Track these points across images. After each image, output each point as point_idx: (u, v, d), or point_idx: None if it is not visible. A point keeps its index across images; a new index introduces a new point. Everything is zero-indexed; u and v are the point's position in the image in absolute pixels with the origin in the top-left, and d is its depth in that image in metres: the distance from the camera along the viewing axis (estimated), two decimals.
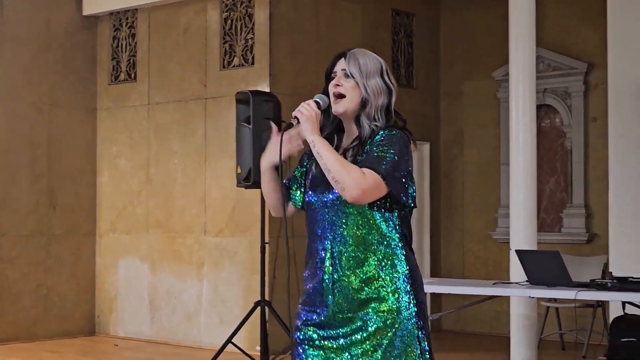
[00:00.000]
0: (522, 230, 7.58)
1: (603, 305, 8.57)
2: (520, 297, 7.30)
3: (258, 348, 7.90)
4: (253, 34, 8.81)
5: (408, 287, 3.24)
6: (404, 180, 3.21)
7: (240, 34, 8.92)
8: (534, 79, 7.69)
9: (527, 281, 6.38)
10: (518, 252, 6.53)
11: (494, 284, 6.68)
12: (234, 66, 8.96)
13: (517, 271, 6.90)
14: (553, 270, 6.11)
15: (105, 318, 9.91)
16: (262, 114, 7.58)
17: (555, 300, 8.75)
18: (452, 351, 8.62)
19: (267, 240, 7.85)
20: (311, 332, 3.37)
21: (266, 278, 7.82)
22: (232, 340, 7.53)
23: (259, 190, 7.79)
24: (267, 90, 8.46)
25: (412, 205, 3.24)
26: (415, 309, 3.24)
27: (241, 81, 8.78)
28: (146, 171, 9.62)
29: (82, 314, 9.89)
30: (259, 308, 7.65)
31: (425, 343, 3.25)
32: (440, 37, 10.57)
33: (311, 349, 3.36)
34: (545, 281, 6.18)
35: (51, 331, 9.58)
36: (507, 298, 7.88)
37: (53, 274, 9.65)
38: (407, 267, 3.25)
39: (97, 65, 10.06)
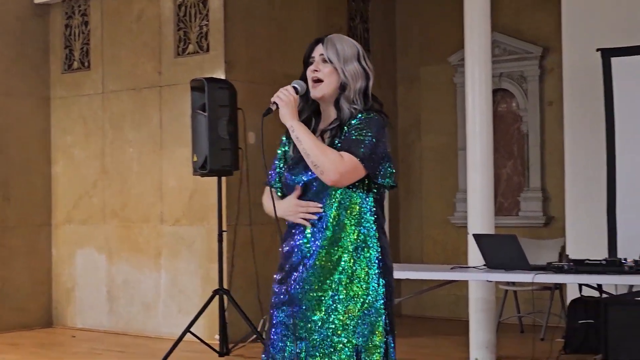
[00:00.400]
0: (479, 215, 7.60)
1: (561, 287, 8.65)
2: (478, 281, 7.34)
3: (217, 337, 7.90)
4: (207, 21, 8.75)
5: (378, 269, 3.35)
6: (381, 162, 3.34)
7: (195, 21, 8.85)
8: (490, 63, 7.70)
9: (484, 265, 6.42)
10: (475, 236, 6.55)
11: (452, 268, 6.70)
12: (188, 53, 8.89)
13: (475, 255, 6.92)
14: (510, 253, 6.14)
15: (63, 309, 9.83)
16: (218, 102, 7.57)
17: (513, 283, 8.81)
18: (412, 336, 8.64)
19: (224, 228, 7.86)
20: (283, 315, 3.45)
21: (224, 267, 7.81)
22: (191, 330, 7.53)
23: (215, 178, 7.79)
24: (223, 77, 8.42)
25: (393, 184, 3.38)
26: (384, 289, 3.35)
27: (196, 68, 8.72)
28: (101, 160, 9.54)
29: (39, 305, 9.80)
30: (217, 297, 7.65)
31: (391, 331, 3.38)
32: (395, 22, 10.57)
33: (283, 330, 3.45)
34: (502, 265, 6.21)
35: (7, 323, 9.48)
36: (466, 282, 7.91)
37: (8, 266, 9.54)
38: (379, 249, 3.37)
39: (49, 54, 9.94)
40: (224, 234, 7.81)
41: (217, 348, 7.73)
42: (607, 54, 7.90)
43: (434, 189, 10.31)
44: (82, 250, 9.69)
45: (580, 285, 6.38)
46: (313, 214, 3.36)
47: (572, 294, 7.87)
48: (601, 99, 7.97)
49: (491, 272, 6.22)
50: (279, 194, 3.57)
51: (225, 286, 7.75)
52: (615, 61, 7.87)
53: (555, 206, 9.46)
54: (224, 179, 7.87)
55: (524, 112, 9.72)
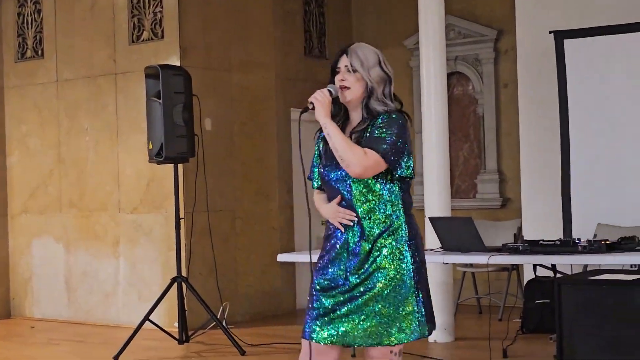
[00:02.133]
0: (436, 198, 7.66)
1: (518, 268, 8.73)
2: (435, 263, 7.38)
3: (176, 324, 7.89)
4: (162, 7, 8.69)
5: (408, 248, 3.81)
6: (401, 157, 3.78)
7: (149, 7, 8.79)
8: (444, 47, 7.75)
9: (441, 247, 6.45)
10: (432, 219, 6.58)
11: None
12: (143, 40, 8.83)
13: (432, 238, 6.96)
14: (466, 236, 6.17)
15: (21, 300, 9.76)
16: (173, 88, 7.54)
17: (471, 265, 8.88)
18: None
19: (182, 215, 7.84)
20: (321, 278, 3.90)
21: (182, 254, 7.79)
22: (150, 318, 7.51)
23: (171, 165, 7.77)
24: (178, 64, 8.37)
25: (411, 176, 3.84)
26: (414, 266, 3.80)
27: (151, 55, 8.67)
28: (57, 150, 9.46)
29: None
30: (176, 284, 7.64)
31: (421, 295, 3.82)
32: (351, 6, 10.58)
33: (323, 296, 3.88)
34: (458, 247, 6.24)
35: None
36: None
37: None
38: (408, 229, 3.84)
39: (2, 43, 9.83)
40: (182, 221, 7.79)
41: (177, 336, 7.73)
42: (560, 36, 7.97)
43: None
44: (39, 240, 9.62)
45: (534, 266, 6.44)
46: (349, 220, 3.84)
47: (529, 275, 7.96)
48: (555, 80, 8.05)
49: (447, 254, 6.24)
50: (313, 187, 4.07)
51: (183, 273, 7.74)
52: (568, 43, 7.94)
53: (511, 188, 9.54)
54: (180, 166, 7.83)
55: (480, 95, 9.78)
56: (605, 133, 7.82)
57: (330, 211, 3.89)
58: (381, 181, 3.82)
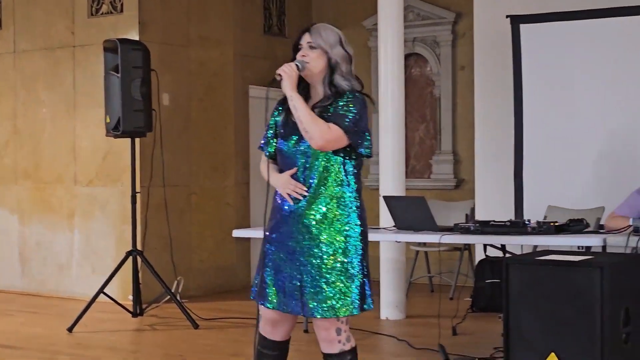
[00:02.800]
0: (391, 177, 7.76)
1: (469, 248, 8.87)
2: (388, 241, 7.50)
3: (130, 297, 7.93)
4: None
5: (357, 223, 4.00)
6: (362, 134, 3.95)
7: None
8: (402, 28, 7.82)
9: (394, 226, 6.53)
10: (385, 198, 6.66)
11: None
12: (102, 14, 8.82)
13: (386, 217, 7.06)
14: (419, 215, 6.25)
15: None
16: (131, 63, 7.55)
17: (424, 244, 8.99)
18: None
19: (138, 189, 7.86)
20: (274, 247, 4.06)
21: (138, 227, 7.82)
22: (104, 291, 7.55)
23: (128, 139, 7.79)
24: (137, 38, 8.37)
25: (369, 155, 4.01)
26: (360, 239, 3.99)
27: (110, 29, 8.65)
28: (13, 121, 9.43)
29: None
30: (130, 258, 7.68)
31: (366, 270, 4.01)
32: None
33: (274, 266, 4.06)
34: (411, 226, 6.32)
35: None
36: (377, 243, 8.06)
37: None
38: (358, 207, 4.01)
39: None
40: (138, 195, 7.82)
41: (131, 309, 7.78)
42: (516, 20, 8.07)
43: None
44: None
45: (485, 246, 6.56)
46: (299, 193, 3.97)
47: (480, 255, 8.09)
48: (510, 64, 8.16)
49: (400, 233, 6.33)
50: (266, 155, 4.15)
51: (139, 247, 7.77)
52: (523, 28, 8.05)
53: (465, 169, 9.66)
54: (137, 140, 7.84)
55: (437, 77, 9.88)
56: (559, 118, 7.95)
57: (282, 181, 4.01)
58: (340, 156, 3.96)
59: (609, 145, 7.71)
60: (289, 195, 3.98)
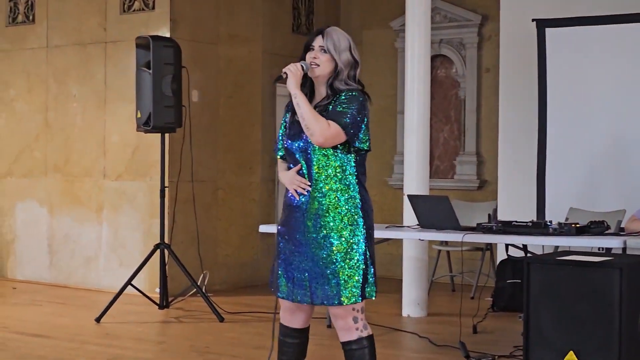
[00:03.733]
0: (415, 177, 7.82)
1: (491, 248, 8.93)
2: (412, 240, 7.58)
3: (157, 290, 8.05)
4: None
5: (360, 215, 4.13)
6: (359, 131, 4.10)
7: None
8: (429, 29, 7.88)
9: (418, 225, 6.61)
10: (410, 196, 6.76)
11: (386, 227, 6.88)
12: (134, 10, 8.92)
13: (410, 216, 7.14)
14: (442, 214, 6.33)
15: (3, 262, 9.88)
16: (162, 59, 7.66)
17: (446, 243, 9.07)
18: None
19: (166, 184, 7.96)
20: (284, 240, 4.26)
21: (166, 222, 7.93)
22: (132, 283, 7.65)
23: (158, 135, 7.91)
24: (168, 35, 8.49)
25: (368, 148, 4.16)
26: (364, 231, 4.13)
27: (141, 26, 8.77)
28: (44, 115, 9.57)
29: None
30: (158, 251, 7.80)
31: (370, 259, 4.16)
32: None
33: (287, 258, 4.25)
34: (434, 225, 6.40)
35: None
36: (401, 242, 8.15)
37: None
38: (360, 199, 4.15)
39: None
40: (166, 190, 7.92)
41: (158, 301, 7.89)
42: (542, 24, 8.13)
43: (372, 150, 10.37)
44: (23, 204, 9.73)
45: (507, 246, 6.63)
46: (303, 188, 4.15)
47: (502, 255, 8.15)
48: (535, 67, 8.21)
49: (423, 231, 6.42)
50: (279, 157, 4.33)
51: (166, 241, 7.88)
52: (549, 32, 8.10)
53: (489, 170, 9.71)
54: (167, 135, 7.97)
55: (462, 79, 9.93)
56: (582, 122, 7.99)
57: (288, 178, 4.21)
58: (339, 152, 4.12)
59: (630, 149, 7.76)
60: (295, 190, 4.17)
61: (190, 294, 8.17)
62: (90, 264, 9.20)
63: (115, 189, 9.02)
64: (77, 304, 8.30)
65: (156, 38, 7.72)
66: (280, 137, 4.32)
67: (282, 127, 4.30)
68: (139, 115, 7.69)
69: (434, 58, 9.68)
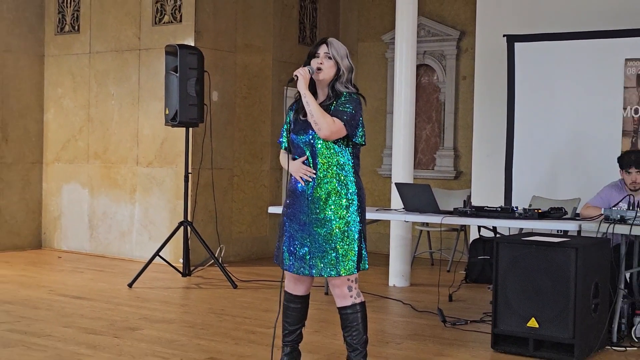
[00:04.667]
0: (401, 167, 7.78)
1: (465, 229, 8.90)
2: (398, 221, 7.55)
3: (181, 260, 8.02)
4: None
5: (356, 200, 4.13)
6: (357, 126, 4.11)
7: None
8: (415, 43, 7.83)
9: (403, 208, 6.58)
10: (397, 184, 6.72)
11: (376, 210, 6.85)
12: (164, 23, 8.88)
13: (396, 200, 7.10)
14: (424, 200, 6.30)
15: (50, 235, 9.87)
16: (188, 65, 7.62)
17: (427, 224, 9.04)
18: None
19: (190, 171, 7.93)
20: (289, 220, 4.23)
21: (189, 203, 7.90)
22: (160, 254, 7.63)
23: (184, 128, 7.87)
24: (192, 44, 8.44)
25: (363, 143, 4.16)
26: (358, 212, 4.13)
27: (170, 36, 8.73)
28: (87, 110, 9.53)
29: (31, 230, 9.83)
30: (182, 227, 7.77)
31: (363, 237, 4.16)
32: (339, 4, 10.61)
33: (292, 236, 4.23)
34: (418, 208, 6.37)
35: (3, 245, 9.51)
36: (388, 222, 8.11)
37: (5, 196, 9.55)
38: (355, 185, 4.14)
39: (45, 18, 9.85)
40: (190, 175, 7.89)
41: (181, 270, 7.87)
42: (511, 39, 8.08)
43: (366, 145, 10.35)
44: (68, 186, 9.71)
45: (479, 227, 6.60)
46: (309, 176, 4.13)
47: (474, 235, 8.14)
48: (505, 76, 8.16)
49: (408, 214, 6.39)
50: (282, 148, 4.30)
51: (189, 219, 7.86)
52: (517, 45, 8.06)
53: (464, 163, 9.67)
54: (190, 129, 7.93)
55: (442, 85, 9.88)
56: (544, 122, 7.96)
57: (295, 167, 4.17)
58: (339, 145, 4.12)
59: (585, 146, 7.72)
60: (301, 178, 4.15)
61: (208, 264, 8.15)
62: (124, 237, 9.17)
63: (146, 174, 8.98)
64: (112, 271, 8.27)
65: (182, 46, 7.67)
66: (284, 132, 4.29)
67: (286, 124, 4.26)
68: (167, 112, 7.66)
69: (418, 67, 9.64)
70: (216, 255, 7.92)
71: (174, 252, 8.42)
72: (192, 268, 7.95)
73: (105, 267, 8.51)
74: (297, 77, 4.10)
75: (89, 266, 8.58)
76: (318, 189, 4.11)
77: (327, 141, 4.09)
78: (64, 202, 9.74)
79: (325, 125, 4.01)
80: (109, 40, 9.32)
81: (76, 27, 9.63)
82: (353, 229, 4.10)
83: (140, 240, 9.01)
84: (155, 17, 8.94)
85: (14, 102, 9.59)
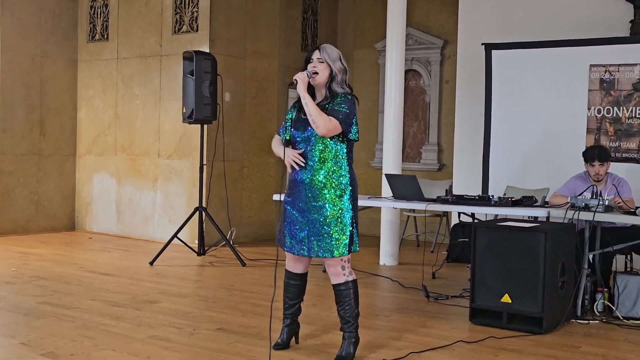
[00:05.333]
0: (391, 161, 7.70)
1: (447, 215, 8.81)
2: (388, 207, 7.46)
3: (196, 242, 7.94)
4: (198, 8, 8.64)
5: (348, 190, 4.02)
6: (351, 124, 3.98)
7: (188, 8, 8.73)
8: (404, 51, 7.73)
9: (392, 196, 6.50)
10: (387, 175, 6.63)
11: (369, 198, 6.77)
12: (182, 32, 8.78)
13: (386, 189, 7.03)
14: (411, 189, 6.21)
15: (83, 218, 9.78)
16: (203, 69, 7.52)
17: (414, 211, 8.94)
18: None
19: (204, 162, 7.85)
20: (290, 207, 4.10)
21: (203, 190, 7.81)
22: (178, 236, 7.55)
23: (199, 125, 7.77)
24: (207, 51, 8.33)
25: (357, 139, 4.04)
26: (351, 199, 4.02)
27: (188, 43, 8.63)
28: (115, 109, 9.43)
29: (65, 214, 9.74)
30: (197, 212, 7.68)
31: (355, 224, 4.05)
32: (337, 16, 10.51)
33: (292, 221, 4.12)
34: (405, 197, 6.29)
35: (40, 227, 9.44)
36: (380, 209, 8.03)
37: (42, 184, 9.46)
38: (348, 176, 4.03)
39: (78, 27, 9.75)
40: (204, 166, 7.81)
41: (196, 250, 7.79)
42: (489, 47, 7.97)
43: (360, 140, 10.19)
44: (98, 175, 9.61)
45: (459, 213, 6.51)
46: (298, 163, 4.03)
47: (455, 220, 8.05)
48: (483, 80, 8.07)
49: (396, 202, 6.31)
50: (284, 140, 4.13)
51: (204, 205, 7.77)
52: (495, 53, 7.95)
53: (446, 156, 9.58)
54: (205, 126, 7.83)
55: (428, 88, 9.78)
56: (518, 121, 7.86)
57: (287, 154, 4.05)
58: (335, 141, 4.00)
59: (554, 141, 7.63)
60: (292, 166, 4.04)
61: (221, 245, 8.06)
62: (147, 221, 9.09)
63: (167, 165, 8.89)
64: (136, 250, 8.20)
65: (198, 52, 7.57)
66: (285, 126, 4.14)
67: (288, 120, 4.15)
68: (184, 111, 7.56)
69: (407, 72, 9.59)
70: (228, 237, 7.84)
71: (190, 234, 8.33)
72: (206, 248, 7.86)
73: (130, 247, 8.43)
74: (297, 80, 3.98)
75: (116, 246, 8.50)
76: (315, 179, 4.00)
77: (324, 137, 3.98)
78: (95, 190, 9.65)
79: (322, 123, 3.89)
80: (134, 47, 9.21)
81: (105, 36, 9.52)
82: (346, 215, 4.01)
83: (161, 224, 8.92)
84: (175, 26, 8.84)
85: (51, 102, 9.50)
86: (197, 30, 8.64)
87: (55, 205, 9.63)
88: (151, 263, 7.25)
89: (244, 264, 7.32)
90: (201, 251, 7.75)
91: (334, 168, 4.00)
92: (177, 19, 8.83)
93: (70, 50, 9.71)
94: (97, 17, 9.61)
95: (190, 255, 7.75)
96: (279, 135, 4.20)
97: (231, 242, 7.82)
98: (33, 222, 9.39)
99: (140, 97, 9.16)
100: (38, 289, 5.91)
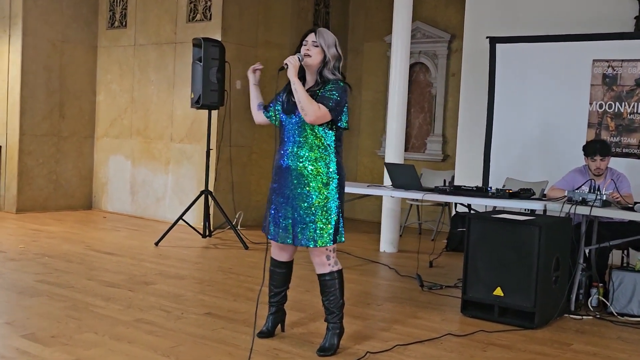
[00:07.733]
0: (394, 150, 7.33)
1: (449, 205, 8.42)
2: (386, 196, 7.08)
3: (202, 224, 7.60)
4: None
5: (335, 176, 3.63)
6: (341, 112, 3.62)
7: None
8: (409, 44, 7.32)
9: (391, 185, 6.13)
10: (386, 164, 6.25)
11: (368, 186, 6.40)
12: (196, 20, 8.42)
13: (388, 178, 6.65)
14: (409, 178, 5.85)
15: (99, 197, 9.49)
16: (210, 55, 7.16)
17: (416, 199, 8.54)
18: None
19: (212, 147, 7.52)
20: (275, 193, 3.71)
21: (210, 174, 7.48)
22: (184, 218, 7.23)
23: (207, 111, 7.41)
24: (220, 39, 7.96)
25: (346, 127, 3.67)
26: (337, 188, 3.64)
27: (201, 32, 8.26)
28: (131, 94, 9.11)
29: (82, 194, 9.45)
30: (204, 195, 7.35)
31: (341, 213, 3.66)
32: (348, 9, 10.11)
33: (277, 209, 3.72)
34: (403, 186, 5.93)
35: (58, 205, 9.15)
36: (381, 197, 7.64)
37: (61, 164, 9.17)
38: (336, 163, 3.64)
39: (98, 14, 9.42)
40: (212, 151, 7.48)
41: (202, 232, 7.46)
42: (494, 41, 7.55)
43: (367, 129, 9.98)
44: (114, 157, 9.31)
45: (455, 204, 6.11)
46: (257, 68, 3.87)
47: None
48: (487, 73, 7.65)
49: (395, 190, 5.92)
50: (273, 122, 3.83)
51: (210, 189, 7.44)
52: (499, 46, 7.53)
53: (450, 147, 9.18)
54: (213, 111, 7.48)
55: (434, 80, 9.37)
56: (519, 114, 7.45)
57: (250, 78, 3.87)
58: (324, 129, 3.63)
59: (555, 135, 7.20)
60: (253, 73, 3.89)
61: (226, 228, 7.72)
62: (159, 202, 8.78)
63: (179, 149, 8.56)
64: (145, 230, 7.89)
65: (206, 39, 7.21)
66: (275, 107, 3.82)
67: (277, 101, 3.81)
68: (192, 96, 7.21)
69: (414, 64, 9.21)
70: (235, 221, 7.51)
71: (197, 217, 7.98)
72: (212, 230, 7.52)
73: (140, 227, 8.12)
74: (287, 65, 3.59)
75: (127, 225, 8.20)
76: (302, 166, 3.61)
77: (312, 124, 3.58)
78: (111, 171, 9.34)
79: (311, 111, 3.51)
80: (151, 34, 8.86)
81: (124, 23, 9.18)
82: (332, 204, 3.62)
83: (172, 205, 8.60)
84: (189, 15, 8.48)
85: (70, 86, 9.18)
86: (210, 19, 8.27)
87: (74, 185, 9.33)
88: (156, 244, 6.92)
89: (246, 247, 6.97)
90: (207, 233, 7.41)
91: (322, 156, 3.62)
92: (191, 8, 8.47)
93: (90, 36, 9.38)
94: (117, 5, 9.27)
95: (196, 237, 7.41)
96: (264, 108, 3.88)
97: (238, 226, 7.48)
98: (51, 200, 9.10)
99: (155, 83, 8.82)
100: (39, 267, 5.60)
